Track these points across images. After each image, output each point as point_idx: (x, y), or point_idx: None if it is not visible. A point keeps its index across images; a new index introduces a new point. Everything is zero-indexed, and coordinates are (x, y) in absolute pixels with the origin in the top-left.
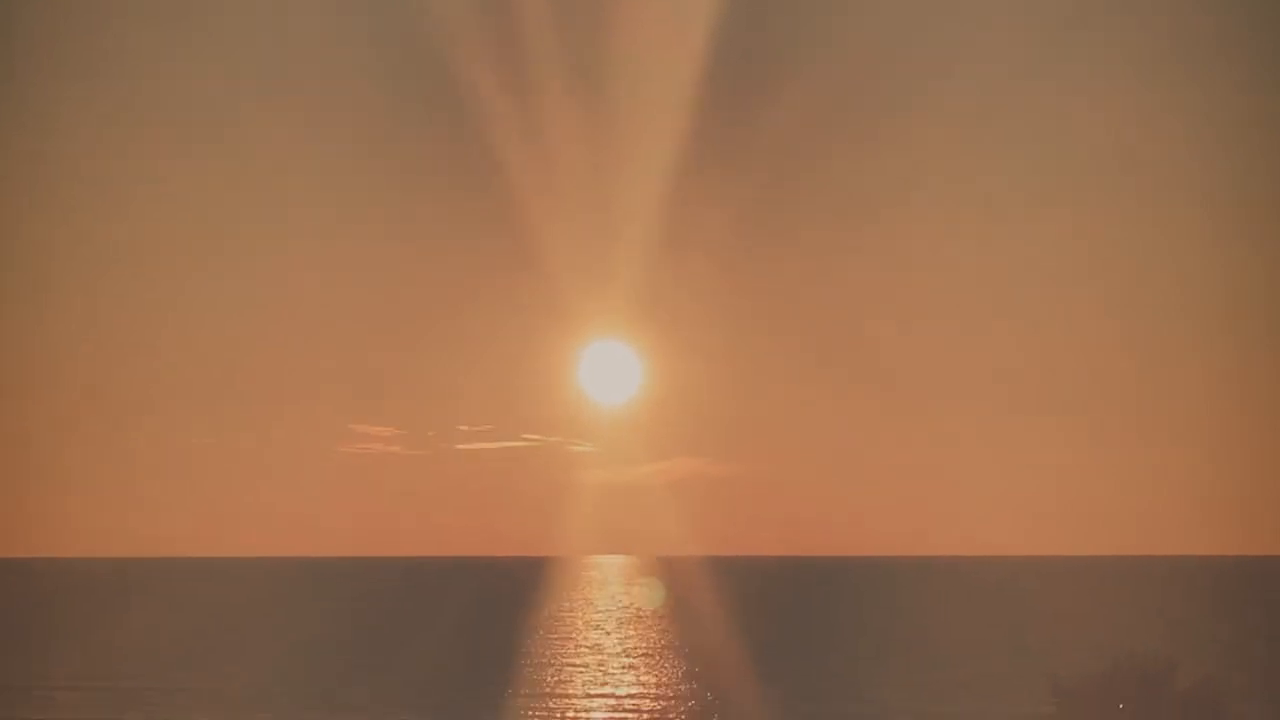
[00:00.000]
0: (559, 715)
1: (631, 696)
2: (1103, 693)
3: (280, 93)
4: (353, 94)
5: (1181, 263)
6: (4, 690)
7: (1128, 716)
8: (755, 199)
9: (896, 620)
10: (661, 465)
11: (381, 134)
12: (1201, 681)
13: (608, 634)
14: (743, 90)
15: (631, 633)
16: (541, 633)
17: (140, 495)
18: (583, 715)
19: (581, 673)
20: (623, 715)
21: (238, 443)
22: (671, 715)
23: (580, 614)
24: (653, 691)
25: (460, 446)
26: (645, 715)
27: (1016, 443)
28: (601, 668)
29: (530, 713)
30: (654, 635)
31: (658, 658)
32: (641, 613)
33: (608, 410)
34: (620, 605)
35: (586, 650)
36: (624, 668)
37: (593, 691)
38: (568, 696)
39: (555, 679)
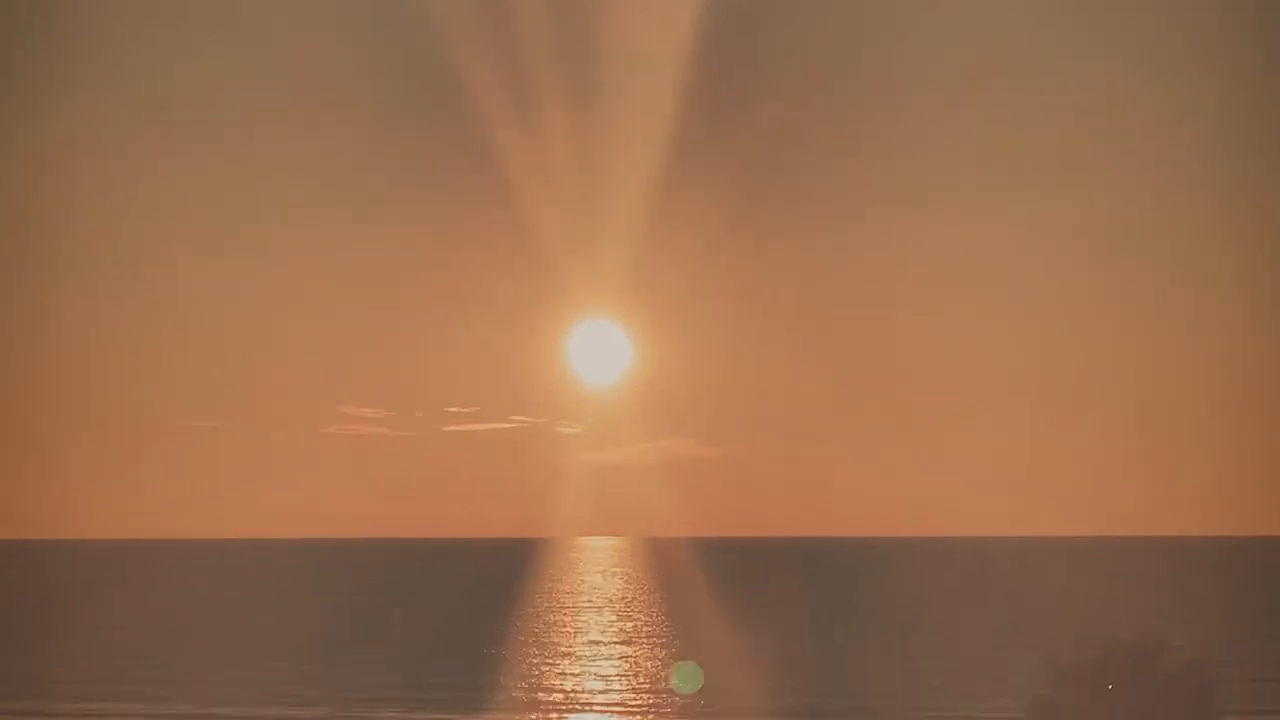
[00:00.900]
0: (544, 702)
1: (618, 681)
2: (1092, 674)
3: (269, 76)
4: (343, 79)
5: (1175, 248)
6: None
7: (1117, 698)
8: (746, 183)
9: (887, 601)
10: (651, 446)
11: (372, 118)
12: (1192, 662)
13: (595, 617)
14: (734, 76)
15: (619, 616)
16: (529, 614)
17: (126, 478)
18: (568, 706)
19: (567, 658)
20: (610, 701)
21: (225, 425)
22: (662, 699)
23: (569, 596)
24: (642, 675)
25: (448, 428)
26: (634, 702)
27: (1008, 424)
28: (588, 652)
29: (520, 697)
30: (644, 618)
31: (647, 641)
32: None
33: (597, 391)
34: (608, 587)
35: (573, 633)
36: (612, 653)
37: (577, 680)
38: (551, 682)
39: (542, 663)
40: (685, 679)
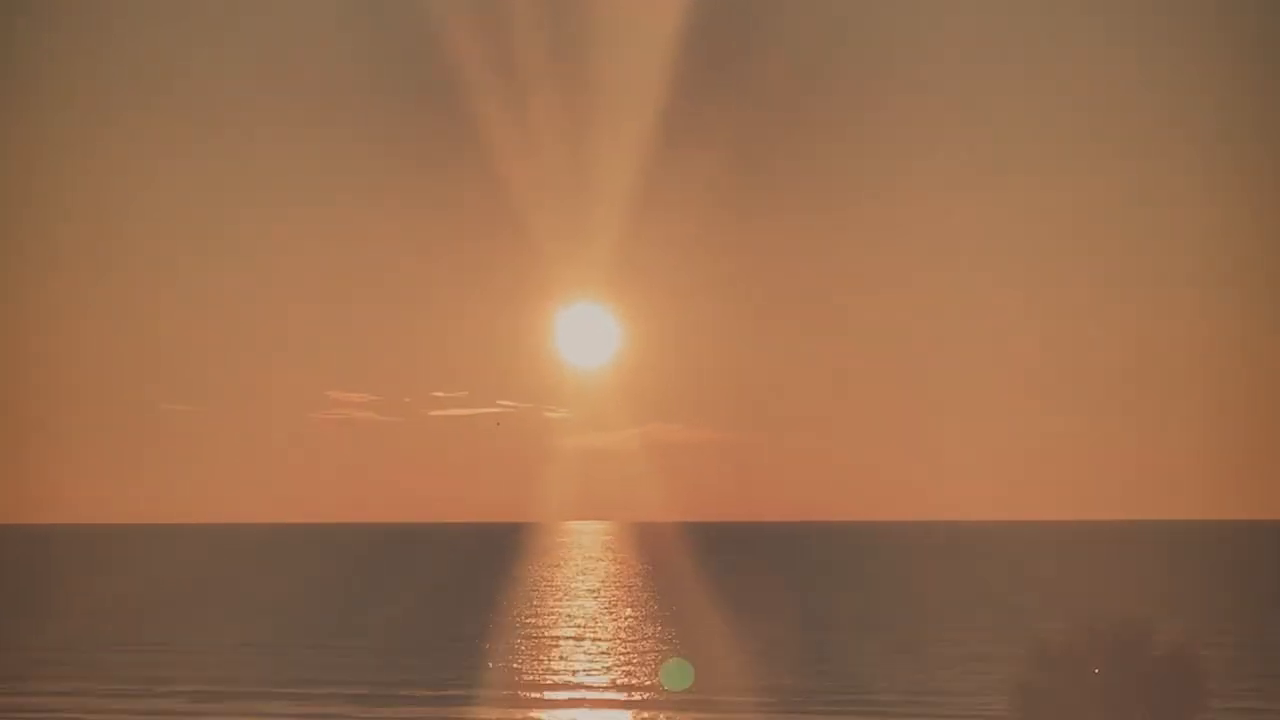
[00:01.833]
0: (530, 692)
1: (604, 671)
2: (1079, 657)
3: (257, 63)
4: (331, 68)
5: (1170, 235)
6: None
7: (1103, 681)
8: (734, 168)
9: (874, 585)
10: (638, 431)
11: (358, 106)
12: (1178, 646)
13: (580, 603)
14: (723, 61)
15: (604, 603)
16: (516, 600)
17: (111, 462)
18: (555, 697)
19: (555, 644)
20: (597, 691)
21: (211, 409)
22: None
23: (556, 579)
24: (627, 665)
25: (435, 413)
26: (620, 692)
27: (998, 410)
28: (575, 639)
29: (505, 687)
30: (629, 605)
31: (634, 629)
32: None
33: (584, 375)
34: (594, 573)
35: (560, 618)
36: (597, 642)
37: (563, 669)
38: (537, 672)
39: (527, 652)
40: (674, 677)
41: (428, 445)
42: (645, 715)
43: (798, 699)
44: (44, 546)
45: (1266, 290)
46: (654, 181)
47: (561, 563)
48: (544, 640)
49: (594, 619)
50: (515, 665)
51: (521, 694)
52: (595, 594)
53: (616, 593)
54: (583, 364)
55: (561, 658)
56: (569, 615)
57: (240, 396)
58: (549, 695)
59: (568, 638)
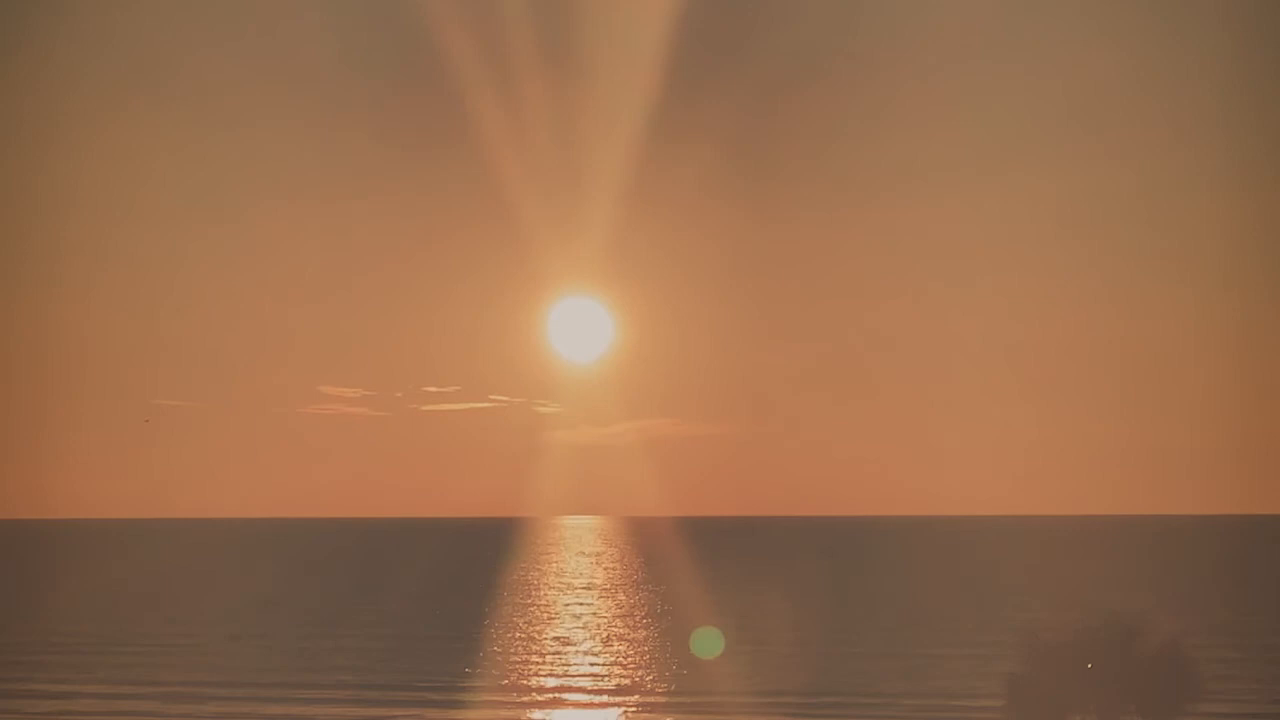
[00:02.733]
0: (530, 690)
1: (604, 667)
2: (1071, 651)
3: (246, 59)
4: (323, 60)
5: (1166, 231)
6: None
7: (1095, 675)
8: (728, 161)
9: (870, 579)
10: (631, 425)
11: (351, 100)
12: (1169, 641)
13: (577, 597)
14: (716, 55)
15: (602, 597)
16: (511, 592)
17: (104, 457)
18: (551, 696)
19: (549, 641)
20: (595, 691)
21: (204, 404)
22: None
23: (549, 575)
24: (630, 660)
25: (426, 408)
26: (622, 691)
27: (993, 405)
28: (570, 637)
29: (505, 681)
30: (629, 599)
31: (633, 622)
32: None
33: (577, 370)
34: (587, 569)
35: (554, 614)
36: (596, 636)
37: (558, 667)
38: (534, 667)
39: (524, 644)
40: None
41: (420, 440)
42: (644, 716)
43: (795, 698)
44: (38, 542)
45: (1265, 287)
46: (647, 175)
47: (554, 558)
48: (538, 637)
49: (589, 615)
50: (509, 663)
51: (516, 694)
52: (590, 589)
53: (611, 588)
54: (576, 358)
55: (556, 656)
56: (563, 611)
57: (233, 392)
58: (543, 695)
59: (563, 635)
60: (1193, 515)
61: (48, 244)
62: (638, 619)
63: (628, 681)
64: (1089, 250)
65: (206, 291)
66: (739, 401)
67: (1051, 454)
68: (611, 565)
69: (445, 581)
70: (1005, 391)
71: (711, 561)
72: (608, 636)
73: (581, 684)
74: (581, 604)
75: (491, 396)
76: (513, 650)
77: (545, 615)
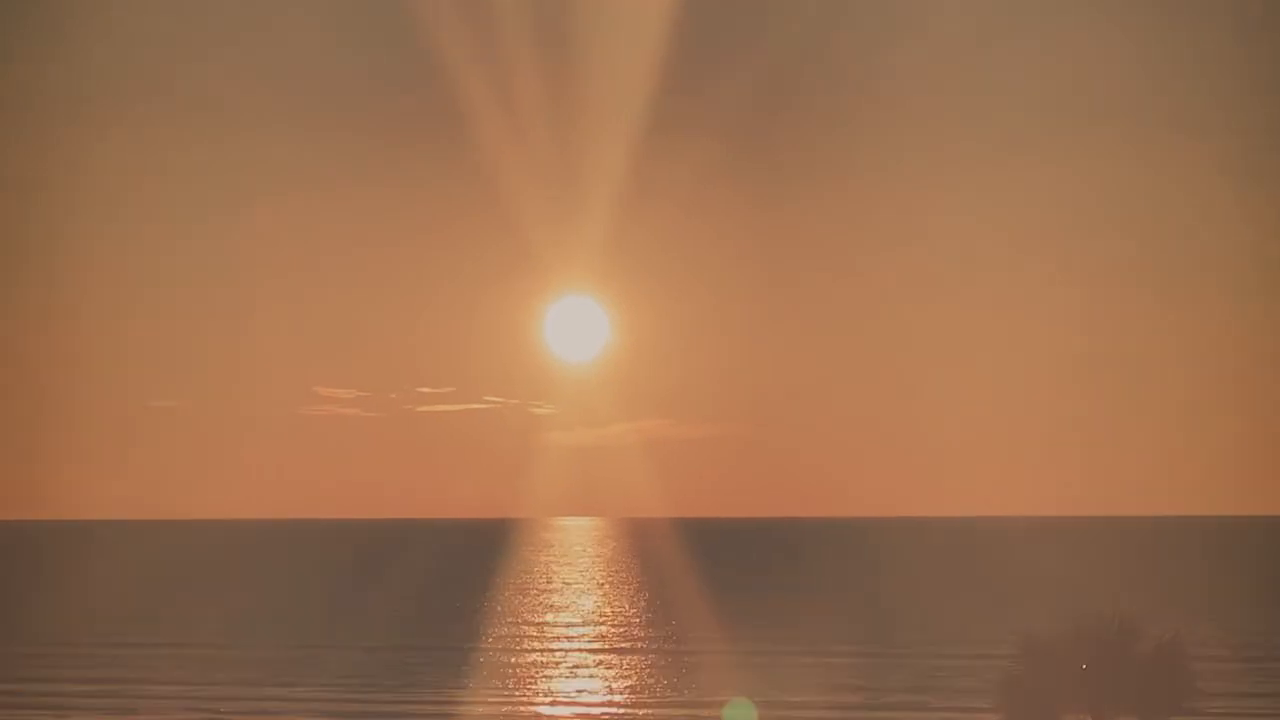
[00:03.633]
0: (530, 688)
1: (606, 673)
2: (1066, 651)
3: (239, 58)
4: (316, 58)
5: (1171, 229)
6: None
7: (1090, 675)
8: (726, 157)
9: (868, 579)
10: (627, 427)
11: (345, 99)
12: (1165, 641)
13: (576, 598)
14: (715, 48)
15: (603, 600)
16: (506, 595)
17: (99, 458)
18: (548, 698)
19: (544, 642)
20: (598, 697)
21: (198, 406)
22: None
23: (545, 577)
24: (631, 667)
25: (421, 409)
26: (623, 695)
27: (995, 404)
28: (568, 641)
29: (501, 686)
30: (625, 601)
31: (630, 627)
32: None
33: (573, 370)
34: (582, 571)
35: (551, 614)
36: (593, 641)
37: (556, 670)
38: (533, 669)
39: (521, 646)
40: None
41: (415, 441)
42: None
43: (792, 698)
44: (30, 543)
45: (1268, 286)
46: (645, 173)
47: (547, 561)
48: (536, 642)
49: (586, 619)
50: (506, 668)
51: (512, 698)
52: (586, 591)
53: (608, 590)
54: (571, 359)
55: (553, 660)
56: (560, 614)
57: (227, 393)
58: (540, 699)
59: (560, 639)
60: (1198, 516)
61: (42, 245)
62: (634, 628)
63: (629, 687)
64: (1094, 248)
65: (200, 292)
66: (737, 402)
67: (1056, 454)
68: (607, 570)
69: (438, 585)
70: (1007, 391)
71: (709, 565)
72: (602, 647)
73: (581, 690)
74: (576, 612)
75: (486, 398)
76: (509, 656)
77: (538, 623)
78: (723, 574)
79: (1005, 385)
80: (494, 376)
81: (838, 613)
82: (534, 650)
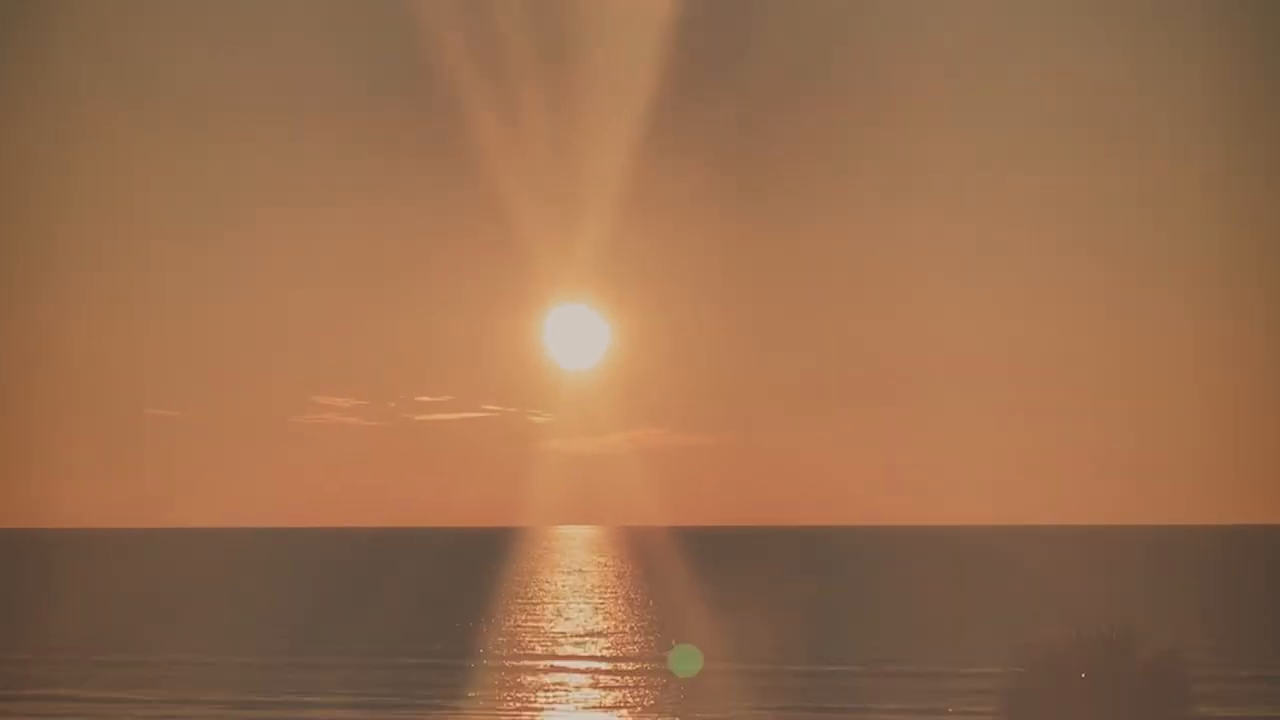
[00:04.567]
0: (527, 694)
1: (597, 676)
2: (1065, 661)
3: (236, 61)
4: (311, 62)
5: (1167, 235)
6: None
7: (1089, 686)
8: (726, 166)
9: (866, 589)
10: (626, 435)
11: (340, 103)
12: (1165, 652)
13: (572, 609)
14: (714, 56)
15: (602, 609)
16: (507, 603)
17: (94, 467)
18: (548, 701)
19: (542, 651)
20: (591, 700)
21: (194, 414)
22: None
23: (546, 584)
24: (622, 668)
25: (420, 417)
26: (616, 698)
27: (991, 413)
28: (564, 650)
29: (504, 686)
30: (626, 609)
31: (630, 632)
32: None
33: (571, 378)
34: (586, 577)
35: (548, 625)
36: (589, 652)
37: (554, 675)
38: (530, 675)
39: (519, 652)
40: (683, 662)
41: (413, 449)
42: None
43: (790, 706)
44: (26, 551)
45: (1264, 293)
46: (644, 181)
47: (548, 569)
48: (536, 652)
49: (588, 627)
50: (506, 679)
51: (513, 708)
52: (588, 600)
53: (611, 599)
54: (571, 367)
55: (554, 670)
56: (562, 622)
57: (225, 401)
58: (540, 709)
59: (561, 647)
60: (1196, 526)
61: (40, 253)
62: (631, 636)
63: (631, 700)
64: (1087, 256)
65: (198, 300)
66: (736, 410)
67: (1052, 462)
68: (607, 577)
69: (437, 594)
70: (1004, 398)
71: (708, 573)
72: (607, 653)
73: (582, 701)
74: (580, 616)
75: (485, 406)
76: (510, 667)
77: (543, 628)
78: (724, 584)
79: (1004, 393)
80: (492, 384)
81: (839, 624)
82: (530, 665)
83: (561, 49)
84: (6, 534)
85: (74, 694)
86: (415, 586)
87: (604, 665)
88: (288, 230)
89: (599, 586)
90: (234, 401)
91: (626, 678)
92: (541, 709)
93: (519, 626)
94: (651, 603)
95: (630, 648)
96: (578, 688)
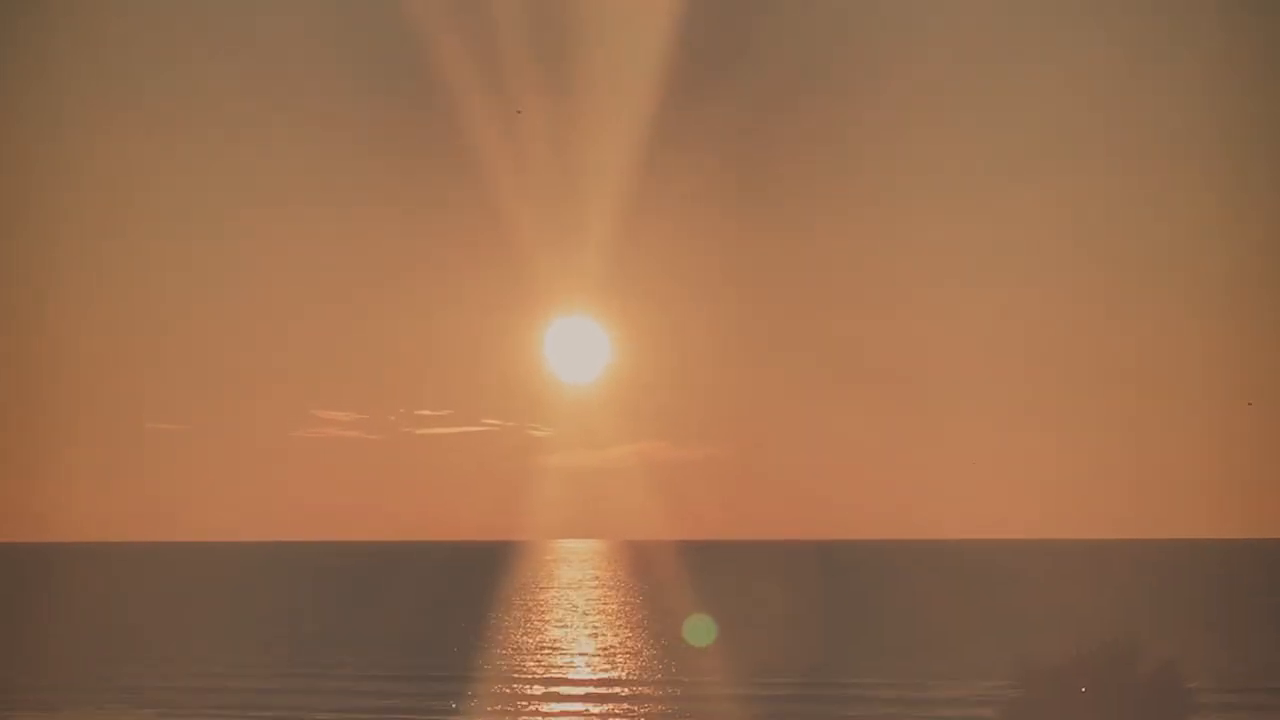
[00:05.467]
0: (528, 704)
1: (603, 688)
2: (1066, 675)
3: (237, 77)
4: (314, 77)
5: (1168, 245)
6: None
7: (1090, 699)
8: (729, 175)
9: (868, 603)
10: (627, 449)
11: (343, 117)
12: (1164, 665)
13: (575, 621)
14: (714, 68)
15: (599, 621)
16: (507, 618)
17: (96, 481)
18: (549, 710)
19: (542, 664)
20: (596, 707)
21: (196, 428)
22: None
23: (549, 600)
24: (627, 681)
25: (420, 431)
26: (619, 707)
27: (994, 426)
28: (566, 662)
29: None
30: (624, 621)
31: (630, 646)
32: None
33: (572, 392)
34: (586, 591)
35: (550, 638)
36: (591, 664)
37: (557, 683)
38: (531, 687)
39: (520, 667)
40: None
41: (414, 463)
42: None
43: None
44: (28, 565)
45: (1269, 303)
46: (646, 191)
47: (550, 583)
48: (534, 672)
49: (590, 644)
50: (503, 698)
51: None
52: (591, 615)
53: (614, 614)
54: (571, 380)
55: (544, 678)
56: (559, 640)
57: (225, 415)
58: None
59: (557, 667)
60: (1198, 540)
61: (40, 270)
62: (633, 650)
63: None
64: (1095, 265)
65: (196, 313)
66: (738, 424)
67: (1054, 475)
68: (606, 593)
69: (436, 609)
70: (1013, 410)
71: (710, 588)
72: (612, 671)
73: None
74: (582, 632)
75: (485, 420)
76: (512, 684)
77: (535, 649)
78: (726, 601)
79: (1014, 403)
80: (493, 398)
81: (842, 639)
82: (525, 683)
83: (564, 65)
84: (7, 548)
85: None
86: (414, 602)
87: (603, 688)
88: (288, 245)
89: (599, 602)
90: (235, 415)
91: (626, 702)
92: None
93: (516, 645)
94: (652, 620)
95: (630, 668)
96: (575, 713)
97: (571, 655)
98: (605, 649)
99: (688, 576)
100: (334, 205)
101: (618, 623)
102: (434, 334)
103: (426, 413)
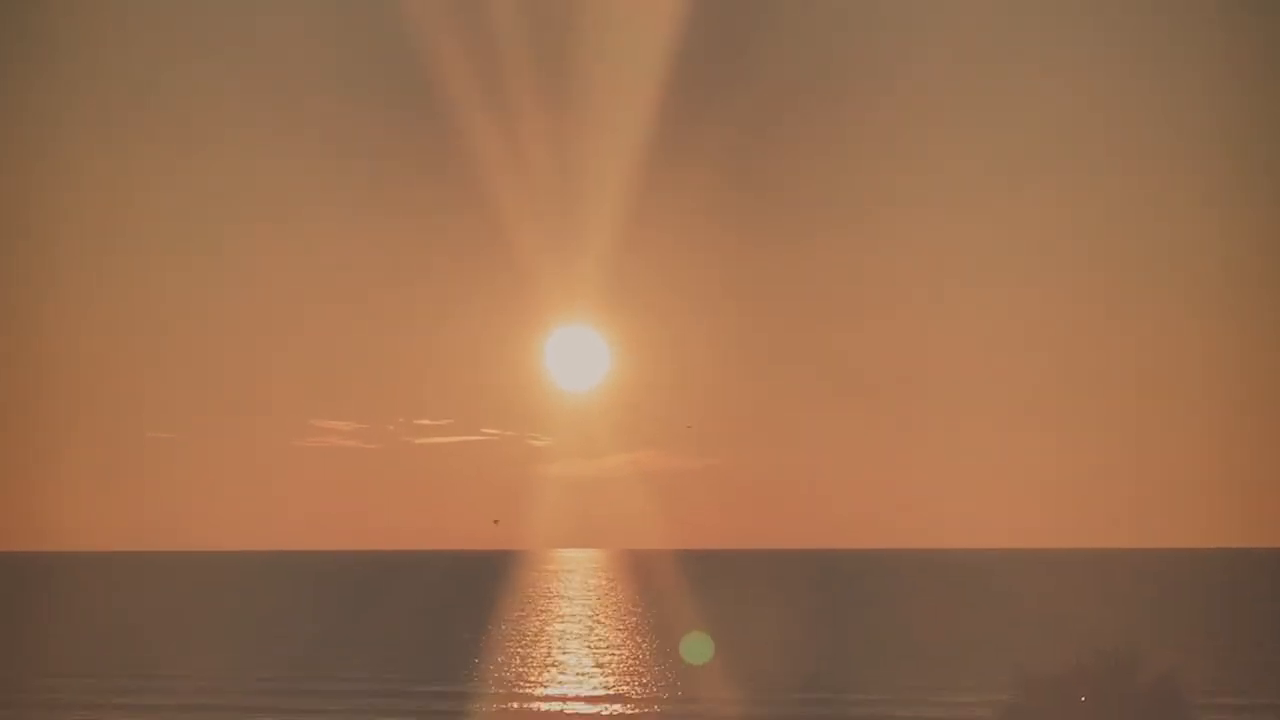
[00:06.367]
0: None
1: (600, 705)
2: (1065, 684)
3: (239, 84)
4: (316, 85)
5: (1169, 250)
6: None
7: (1090, 708)
8: (728, 184)
9: (866, 612)
10: (626, 458)
11: (344, 127)
12: (1165, 674)
13: (573, 632)
14: (714, 78)
15: (596, 633)
16: (506, 628)
17: (95, 489)
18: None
19: (540, 675)
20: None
21: (195, 437)
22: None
23: (548, 609)
24: (623, 695)
25: (419, 441)
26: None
27: (995, 434)
28: (567, 673)
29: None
30: (621, 633)
31: (627, 659)
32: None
33: (571, 401)
34: (584, 601)
35: (548, 649)
36: (591, 674)
37: (553, 700)
38: (529, 701)
39: (519, 677)
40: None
41: (413, 473)
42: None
43: None
44: (26, 574)
45: (1269, 303)
46: (645, 200)
47: (551, 592)
48: (536, 679)
49: (587, 657)
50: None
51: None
52: (591, 626)
53: (614, 625)
54: (571, 389)
55: (544, 689)
56: (559, 651)
57: (225, 424)
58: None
59: (555, 679)
60: (1200, 549)
61: (38, 278)
62: (633, 662)
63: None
64: (1095, 265)
65: (196, 321)
66: (736, 433)
67: (1056, 484)
68: (604, 603)
69: (434, 620)
70: (1013, 412)
71: (709, 598)
72: (613, 684)
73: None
74: (571, 648)
75: (484, 429)
76: (497, 700)
77: (535, 659)
78: (725, 611)
79: (1014, 412)
80: (492, 408)
81: (841, 649)
82: (522, 698)
83: (564, 74)
84: (5, 557)
85: None
86: (412, 612)
87: (601, 705)
88: (287, 255)
89: (597, 612)
90: (234, 424)
91: (623, 716)
92: None
93: (513, 657)
94: (650, 632)
95: (627, 681)
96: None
97: (567, 669)
98: (601, 663)
99: (686, 586)
100: (335, 215)
101: (615, 635)
102: (433, 343)
103: (426, 422)
